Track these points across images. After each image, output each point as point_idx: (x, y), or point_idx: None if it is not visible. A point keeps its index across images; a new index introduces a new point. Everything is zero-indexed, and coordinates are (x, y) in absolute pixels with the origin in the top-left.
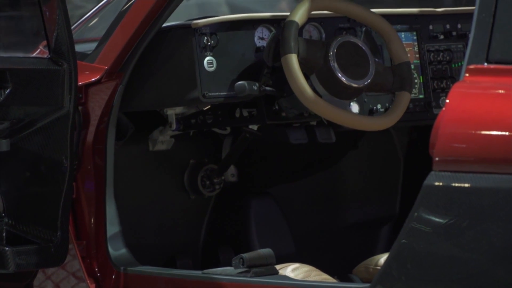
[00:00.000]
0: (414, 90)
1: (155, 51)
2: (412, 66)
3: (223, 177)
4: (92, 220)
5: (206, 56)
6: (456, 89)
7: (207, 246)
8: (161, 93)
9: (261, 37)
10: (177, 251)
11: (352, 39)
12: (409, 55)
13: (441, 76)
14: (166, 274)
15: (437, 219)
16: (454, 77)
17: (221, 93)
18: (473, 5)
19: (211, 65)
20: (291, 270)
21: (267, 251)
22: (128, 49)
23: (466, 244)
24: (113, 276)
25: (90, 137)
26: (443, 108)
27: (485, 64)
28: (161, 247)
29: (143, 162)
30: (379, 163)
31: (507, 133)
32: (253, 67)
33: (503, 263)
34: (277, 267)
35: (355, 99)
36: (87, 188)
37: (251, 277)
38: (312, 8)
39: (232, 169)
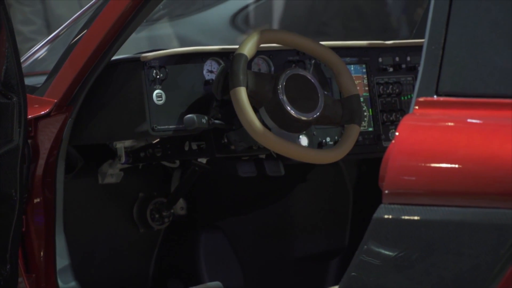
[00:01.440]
0: (363, 123)
1: (105, 84)
2: (362, 99)
3: (172, 210)
4: (42, 253)
5: (155, 89)
6: (405, 122)
7: (157, 279)
8: (111, 127)
9: (210, 70)
10: (127, 284)
11: (301, 72)
12: (358, 87)
13: (391, 108)
14: None
15: (386, 252)
16: (403, 110)
17: (170, 126)
18: (423, 38)
19: (160, 98)
20: None
21: (216, 284)
22: (77, 82)
23: (415, 277)
24: None
25: (39, 170)
26: (393, 141)
27: (435, 96)
28: (111, 280)
29: (92, 195)
30: (328, 196)
31: (456, 166)
32: (202, 100)
33: None
34: None
35: (304, 132)
36: (36, 221)
37: None
38: (261, 41)
39: (181, 202)
